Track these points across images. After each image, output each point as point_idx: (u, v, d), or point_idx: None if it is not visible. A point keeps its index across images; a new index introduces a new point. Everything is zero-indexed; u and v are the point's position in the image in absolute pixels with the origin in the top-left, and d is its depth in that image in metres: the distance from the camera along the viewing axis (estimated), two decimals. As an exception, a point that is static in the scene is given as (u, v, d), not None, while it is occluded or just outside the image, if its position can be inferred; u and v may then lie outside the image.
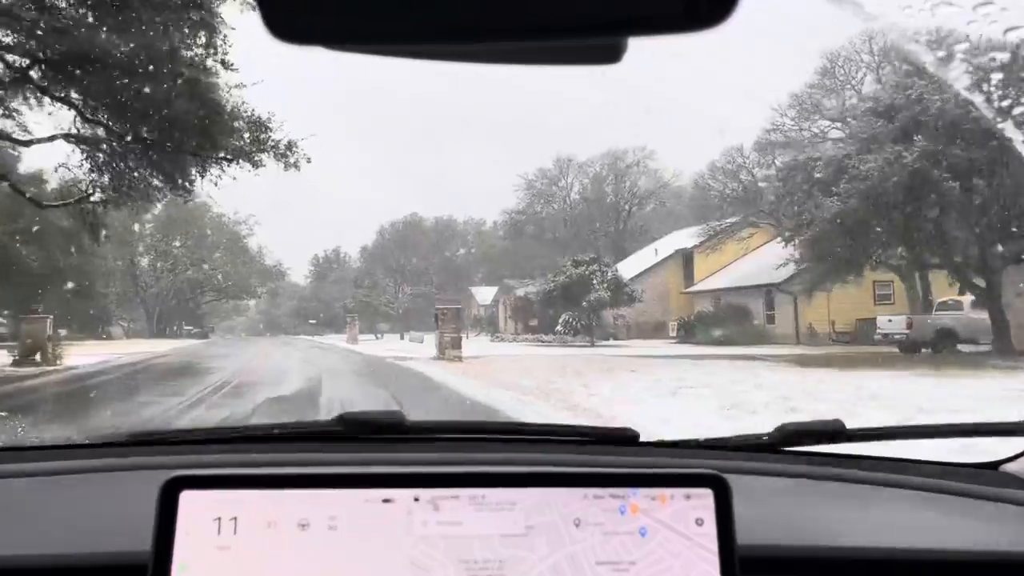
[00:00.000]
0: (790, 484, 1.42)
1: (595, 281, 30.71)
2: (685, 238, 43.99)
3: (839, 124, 31.57)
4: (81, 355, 25.12)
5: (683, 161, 51.40)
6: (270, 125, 16.93)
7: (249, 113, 16.42)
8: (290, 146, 16.88)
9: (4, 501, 1.30)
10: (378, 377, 16.00)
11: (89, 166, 16.55)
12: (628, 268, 41.03)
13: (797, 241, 22.36)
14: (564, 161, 55.94)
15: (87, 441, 1.78)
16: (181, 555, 0.86)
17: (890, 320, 26.04)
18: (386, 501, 0.90)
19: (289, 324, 71.89)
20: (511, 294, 49.04)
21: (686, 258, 41.32)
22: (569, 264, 31.57)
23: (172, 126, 14.56)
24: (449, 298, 44.30)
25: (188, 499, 0.88)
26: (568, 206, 55.70)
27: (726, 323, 33.05)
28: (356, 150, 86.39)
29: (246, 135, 16.34)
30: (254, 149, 16.45)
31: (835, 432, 1.47)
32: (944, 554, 1.16)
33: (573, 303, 30.74)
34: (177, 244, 64.55)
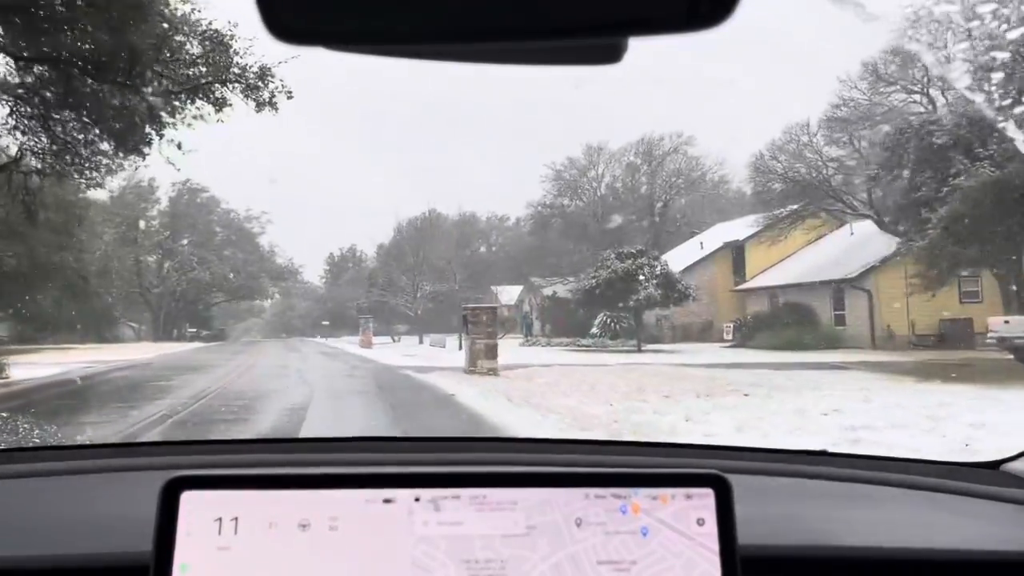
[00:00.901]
0: (791, 484, 1.41)
1: (642, 276, 26.66)
2: (733, 230, 39.82)
3: (917, 95, 27.34)
4: (48, 364, 21.63)
5: (728, 146, 47.56)
6: (232, 43, 12.47)
7: (203, 27, 12.00)
8: (262, 75, 12.59)
9: (6, 502, 1.30)
10: (389, 401, 12.00)
11: (14, 122, 12.64)
12: (670, 264, 37.08)
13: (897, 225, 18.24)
14: (595, 150, 51.91)
15: (89, 443, 1.94)
16: (182, 555, 0.86)
17: (1007, 321, 21.73)
18: (387, 501, 0.89)
19: (304, 326, 69.45)
20: (538, 293, 45.60)
21: (736, 252, 37.15)
22: (613, 257, 27.53)
23: (82, 38, 10.39)
24: (478, 297, 40.56)
25: (189, 499, 0.88)
26: (599, 198, 51.82)
27: (789, 325, 28.94)
28: (373, 147, 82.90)
29: (200, 63, 12.12)
30: (211, 79, 12.22)
31: None
32: (946, 553, 1.15)
33: (617, 302, 26.73)
34: (185, 242, 61.46)
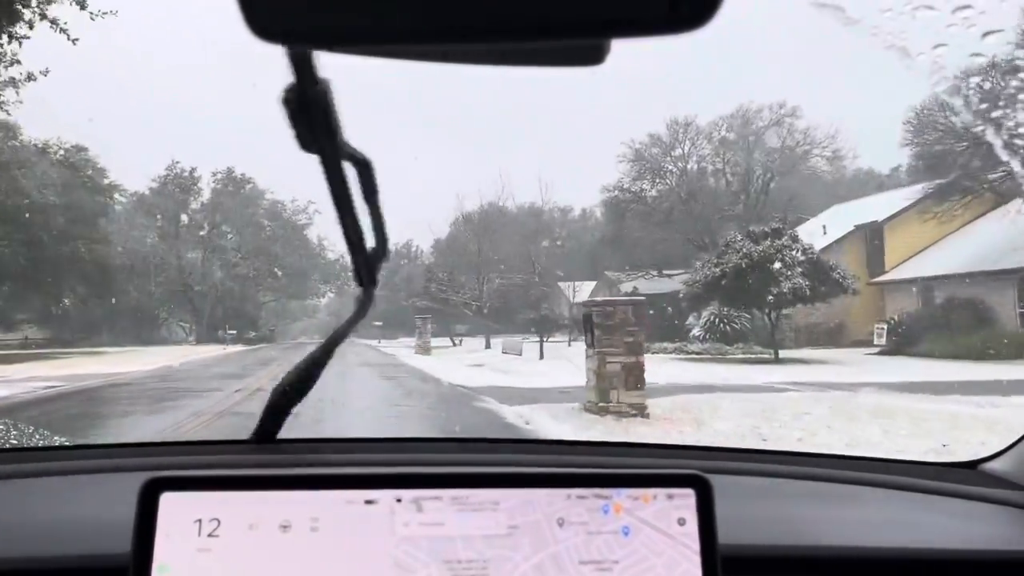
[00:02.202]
0: (771, 484, 1.40)
1: (779, 264, 20.31)
2: (861, 210, 33.27)
3: None
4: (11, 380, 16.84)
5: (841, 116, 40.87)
6: None
7: None
8: None
9: None
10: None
11: None
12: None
13: None
14: (680, 125, 45.64)
15: (67, 443, 1.94)
16: (161, 557, 0.84)
17: None
18: (368, 502, 0.88)
19: (358, 326, 65.43)
20: (615, 289, 39.78)
21: (872, 236, 30.65)
22: (739, 239, 21.20)
23: None
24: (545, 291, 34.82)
25: (168, 500, 0.86)
26: (686, 179, 45.56)
27: (962, 327, 22.51)
28: (429, 140, 78.07)
29: None
30: None
31: None
32: (923, 553, 1.16)
33: (752, 296, 20.46)
34: (230, 236, 57.08)
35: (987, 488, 1.38)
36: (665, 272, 42.21)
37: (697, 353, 24.77)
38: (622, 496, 0.89)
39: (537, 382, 14.36)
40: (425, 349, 28.57)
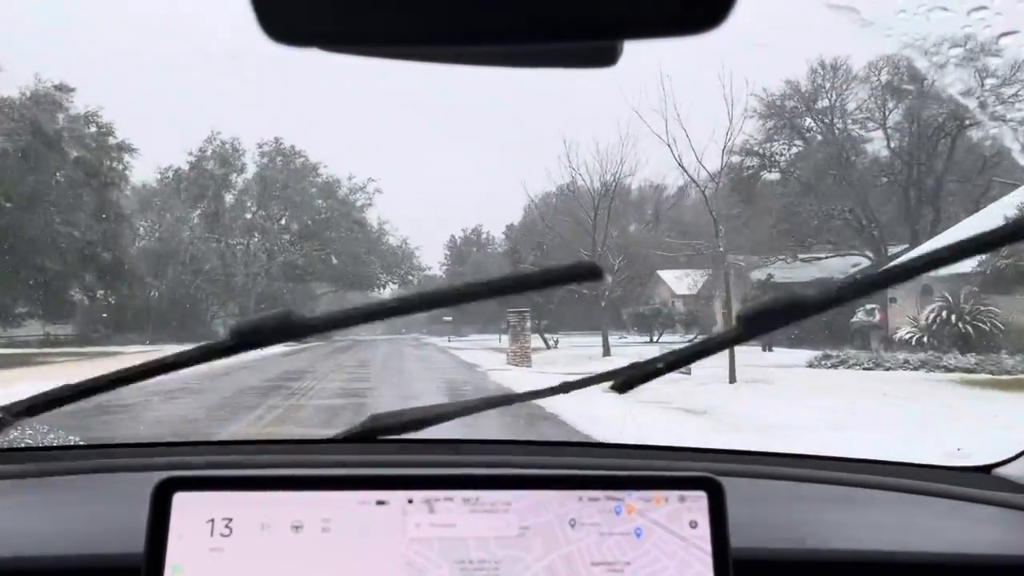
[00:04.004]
0: (784, 487, 1.39)
1: None
2: None
3: None
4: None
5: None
6: None
7: None
8: None
9: None
10: None
11: None
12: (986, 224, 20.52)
13: None
14: (827, 68, 36.37)
15: (80, 443, 1.82)
16: (174, 557, 0.84)
17: None
18: (380, 503, 0.87)
19: (423, 320, 58.99)
20: (744, 278, 30.94)
21: None
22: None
23: None
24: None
25: (181, 501, 0.86)
26: (835, 138, 36.38)
27: None
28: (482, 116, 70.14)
29: None
30: None
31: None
32: (936, 557, 1.14)
33: None
34: (282, 221, 49.80)
35: (1002, 492, 1.36)
36: (802, 256, 31.98)
37: (947, 369, 16.19)
38: (634, 498, 0.88)
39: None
40: (523, 356, 20.34)
